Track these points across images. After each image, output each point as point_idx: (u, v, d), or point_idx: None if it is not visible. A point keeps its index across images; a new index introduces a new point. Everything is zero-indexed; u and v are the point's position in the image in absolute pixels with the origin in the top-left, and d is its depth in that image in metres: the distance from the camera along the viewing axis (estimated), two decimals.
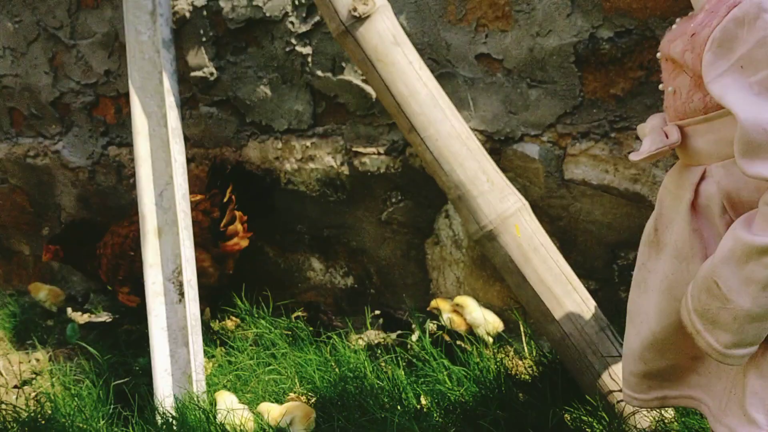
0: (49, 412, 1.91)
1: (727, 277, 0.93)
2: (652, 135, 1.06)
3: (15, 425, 1.91)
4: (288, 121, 2.16)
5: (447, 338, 1.94)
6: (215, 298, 2.30)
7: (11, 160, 2.70)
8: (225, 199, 2.11)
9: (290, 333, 2.14)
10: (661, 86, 1.10)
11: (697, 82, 0.98)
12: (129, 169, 2.47)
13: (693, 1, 1.04)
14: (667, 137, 1.05)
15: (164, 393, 1.87)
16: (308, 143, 2.15)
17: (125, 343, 2.27)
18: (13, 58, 2.52)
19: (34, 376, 2.28)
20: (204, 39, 2.16)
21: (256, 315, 2.20)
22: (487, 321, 1.92)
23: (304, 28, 2.03)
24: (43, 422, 1.88)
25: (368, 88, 1.99)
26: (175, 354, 1.92)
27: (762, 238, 0.89)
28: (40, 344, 2.53)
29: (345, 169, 2.14)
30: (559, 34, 1.74)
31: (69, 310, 2.78)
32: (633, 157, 1.10)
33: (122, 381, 2.01)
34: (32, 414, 1.93)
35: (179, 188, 1.95)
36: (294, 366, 1.96)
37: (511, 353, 1.91)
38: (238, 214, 2.14)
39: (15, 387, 2.25)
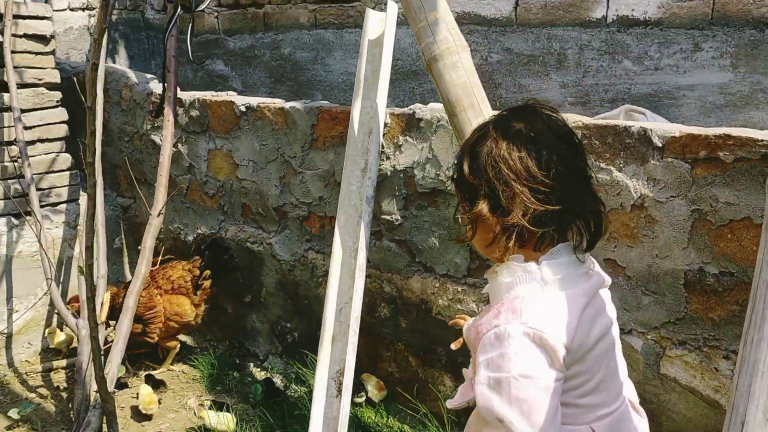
0: None
1: None
2: (463, 387, 1.41)
3: None
4: (447, 268, 2.71)
5: None
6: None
7: (235, 241, 3.48)
8: (200, 265, 3.42)
9: None
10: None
11: (475, 358, 1.29)
12: (320, 270, 3.12)
13: (491, 296, 1.37)
14: (472, 390, 1.34)
15: None
16: (459, 288, 2.68)
17: (288, 414, 2.89)
18: (254, 169, 3.29)
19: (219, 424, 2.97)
20: (397, 193, 2.78)
21: None
22: None
23: None
24: None
25: None
26: None
27: None
28: (227, 392, 3.23)
29: None
30: (674, 260, 2.14)
31: (251, 365, 3.49)
32: (449, 404, 1.48)
33: None
34: None
35: (354, 311, 2.54)
36: None
37: None
38: (206, 273, 3.41)
39: (204, 428, 2.94)
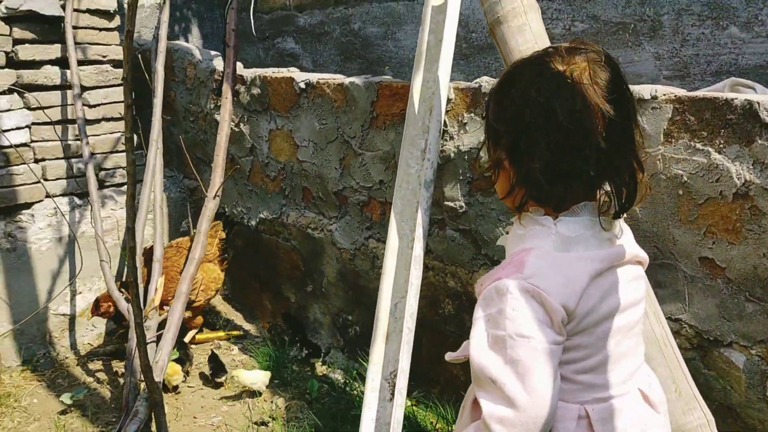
0: None
1: None
2: (467, 342, 1.25)
3: None
4: None
5: None
6: None
7: (296, 226, 3.30)
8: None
9: None
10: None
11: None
12: (381, 259, 2.88)
13: (506, 250, 1.28)
14: None
15: None
16: None
17: (343, 414, 2.69)
18: (314, 150, 3.08)
19: (271, 420, 2.80)
20: (461, 177, 2.50)
21: None
22: None
23: None
24: None
25: None
26: None
27: None
28: (283, 387, 3.07)
29: None
30: None
31: (312, 359, 3.31)
32: (448, 356, 1.33)
33: None
34: None
35: (409, 307, 2.29)
36: None
37: None
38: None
39: (255, 424, 2.78)
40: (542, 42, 1.87)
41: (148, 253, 3.23)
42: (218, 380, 3.09)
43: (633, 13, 2.77)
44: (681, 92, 1.94)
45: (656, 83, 2.77)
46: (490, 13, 1.92)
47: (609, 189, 1.16)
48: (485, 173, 1.25)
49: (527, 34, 1.88)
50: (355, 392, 2.92)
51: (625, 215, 1.21)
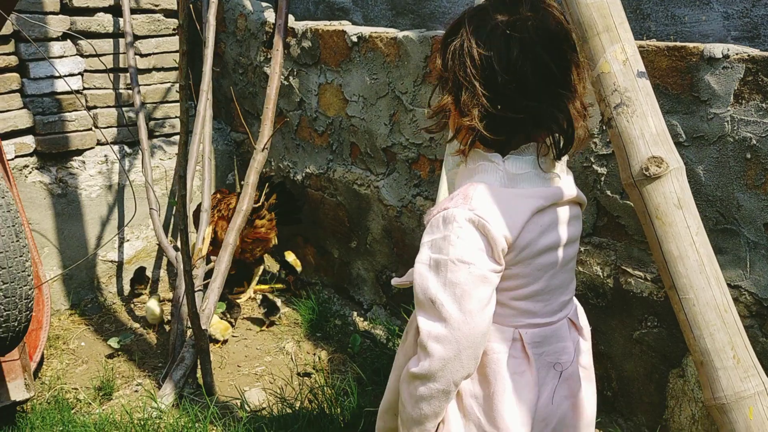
0: (317, 410, 2.41)
1: (402, 392, 1.28)
2: (411, 270, 1.32)
3: (290, 410, 2.44)
4: None
5: None
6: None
7: (342, 182, 3.28)
8: (260, 203, 3.26)
9: None
10: None
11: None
12: None
13: (456, 184, 1.32)
14: None
15: None
16: (582, 249, 2.34)
17: (384, 370, 2.69)
18: (364, 106, 3.05)
19: (314, 371, 2.82)
20: None
21: None
22: None
23: (604, 151, 2.21)
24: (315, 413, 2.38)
25: None
26: None
27: (414, 368, 1.21)
28: (325, 340, 3.09)
29: (610, 282, 2.29)
30: None
31: (354, 314, 3.33)
32: (394, 281, 1.44)
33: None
34: (305, 405, 2.45)
35: None
36: None
37: None
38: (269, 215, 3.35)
39: (299, 374, 2.81)
40: None
41: (196, 211, 3.27)
42: (272, 318, 3.20)
43: None
44: (755, 52, 1.85)
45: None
46: None
47: (546, 135, 1.24)
48: (432, 117, 1.28)
49: None
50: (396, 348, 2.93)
51: (566, 158, 1.28)
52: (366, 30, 3.00)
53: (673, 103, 2.05)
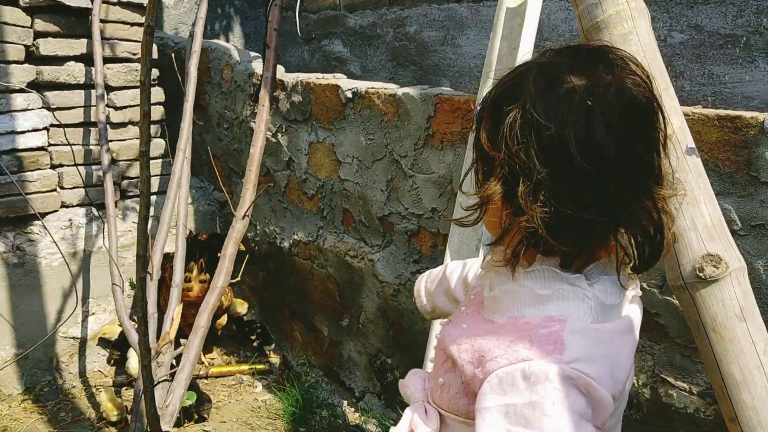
0: None
1: None
2: (418, 410, 1.04)
3: None
4: None
5: None
6: None
7: (333, 252, 2.92)
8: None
9: None
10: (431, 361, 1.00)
11: (467, 389, 0.93)
12: None
13: (500, 302, 0.95)
14: (426, 414, 1.03)
15: None
16: None
17: None
18: (358, 168, 2.71)
19: None
20: None
21: None
22: None
23: None
24: None
25: None
26: None
27: None
28: None
29: (646, 392, 1.90)
30: None
31: (345, 403, 2.93)
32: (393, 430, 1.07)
33: None
34: None
35: None
36: None
37: None
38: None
39: None
40: (653, 55, 1.48)
41: (164, 284, 2.90)
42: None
43: (746, 23, 2.32)
44: None
45: None
46: (587, 17, 1.52)
47: (625, 239, 0.90)
48: (469, 209, 0.96)
49: (634, 44, 1.47)
50: None
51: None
52: (362, 85, 2.67)
53: (726, 183, 1.69)
